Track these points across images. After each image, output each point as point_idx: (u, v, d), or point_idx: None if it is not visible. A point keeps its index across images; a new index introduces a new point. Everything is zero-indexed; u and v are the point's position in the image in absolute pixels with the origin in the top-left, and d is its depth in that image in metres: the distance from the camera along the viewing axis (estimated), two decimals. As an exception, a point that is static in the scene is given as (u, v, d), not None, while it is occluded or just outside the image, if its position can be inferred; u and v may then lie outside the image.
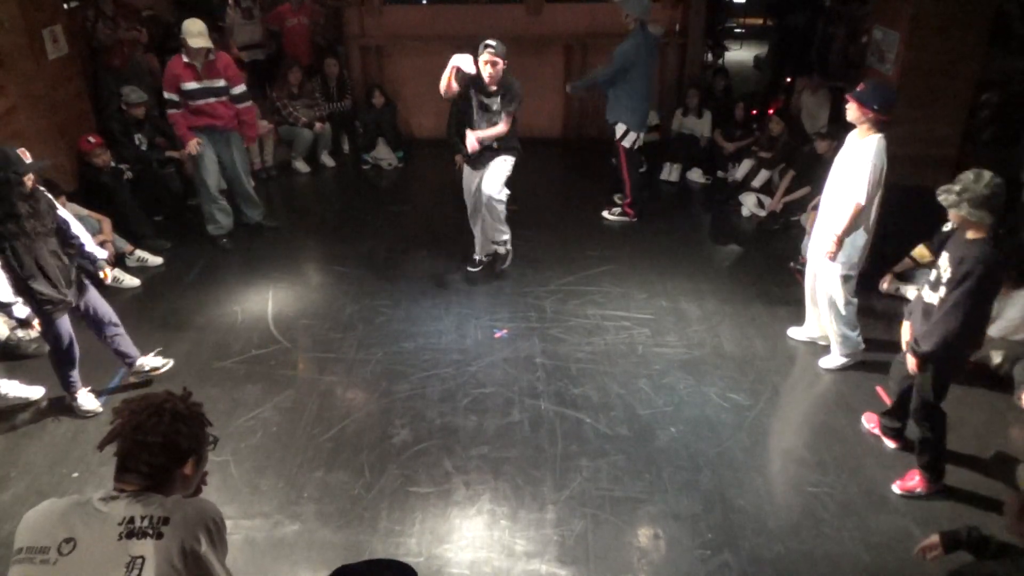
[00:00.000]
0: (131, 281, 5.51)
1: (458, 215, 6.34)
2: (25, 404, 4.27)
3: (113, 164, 6.11)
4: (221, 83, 5.67)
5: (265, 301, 5.34)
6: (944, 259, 3.36)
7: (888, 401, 3.97)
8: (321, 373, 4.55)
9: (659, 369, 4.56)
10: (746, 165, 7.07)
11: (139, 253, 5.78)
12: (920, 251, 5.05)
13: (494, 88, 5.07)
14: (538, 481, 3.72)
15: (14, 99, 5.85)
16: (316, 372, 4.57)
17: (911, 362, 3.44)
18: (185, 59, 5.52)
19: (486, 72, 4.99)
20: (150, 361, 4.44)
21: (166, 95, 5.65)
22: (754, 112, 7.67)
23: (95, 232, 5.48)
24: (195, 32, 5.46)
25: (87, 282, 4.15)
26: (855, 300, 4.39)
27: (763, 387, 4.42)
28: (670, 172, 7.48)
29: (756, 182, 6.87)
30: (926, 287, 3.47)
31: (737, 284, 5.57)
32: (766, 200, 6.62)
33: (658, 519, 3.50)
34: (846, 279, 4.29)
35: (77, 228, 4.07)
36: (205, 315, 5.16)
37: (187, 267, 5.80)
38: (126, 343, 4.34)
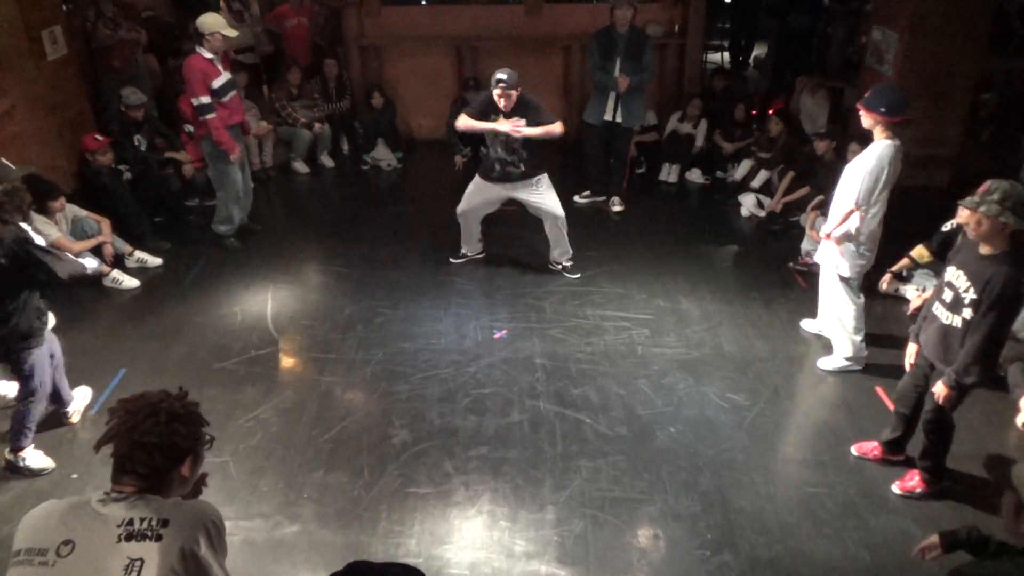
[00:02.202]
0: (130, 282, 5.50)
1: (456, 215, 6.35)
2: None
3: (113, 165, 6.11)
4: (231, 75, 5.70)
5: (264, 302, 5.34)
6: (958, 276, 3.23)
7: (891, 405, 3.96)
8: (321, 374, 4.55)
9: (658, 369, 4.56)
10: (745, 165, 7.07)
11: (138, 254, 5.77)
12: (919, 251, 5.03)
13: (510, 111, 5.11)
14: (538, 482, 3.72)
15: (13, 100, 5.84)
16: (316, 373, 4.57)
17: (941, 391, 3.27)
18: (207, 55, 5.43)
19: (500, 104, 5.07)
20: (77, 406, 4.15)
21: (200, 100, 5.44)
22: (754, 112, 7.68)
23: (94, 233, 5.49)
24: (222, 23, 5.44)
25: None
26: (859, 301, 4.39)
27: (763, 387, 4.42)
28: (669, 172, 7.47)
29: (755, 182, 6.86)
30: (938, 306, 3.34)
31: (737, 284, 5.57)
32: (765, 200, 6.61)
33: (658, 519, 3.50)
34: (846, 281, 4.31)
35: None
36: (204, 315, 5.16)
37: (187, 268, 5.79)
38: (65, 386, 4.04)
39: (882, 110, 3.92)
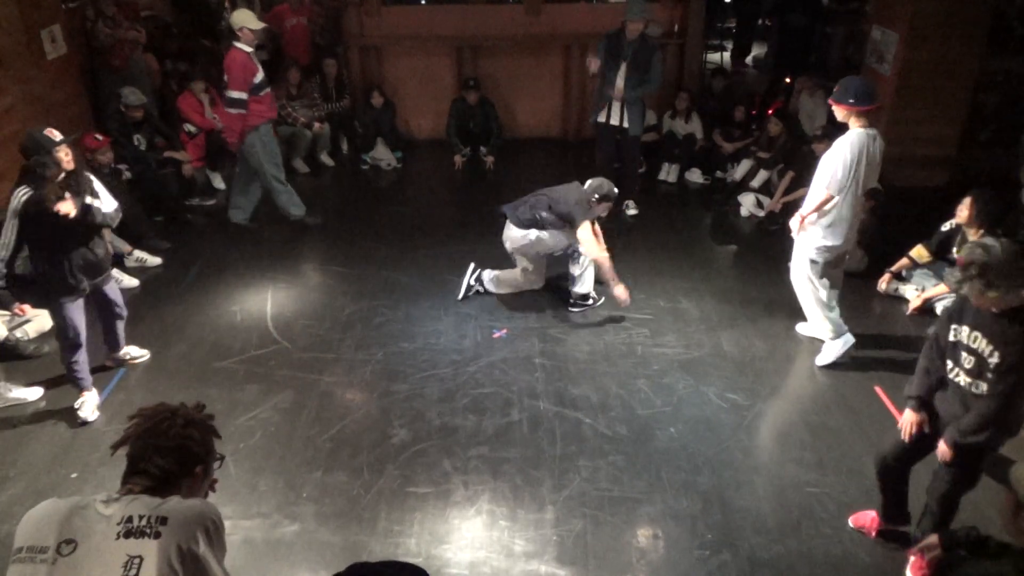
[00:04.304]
0: (130, 281, 5.50)
1: (456, 215, 6.35)
2: (24, 405, 4.26)
3: (112, 164, 6.11)
4: (263, 73, 5.88)
5: (264, 301, 5.34)
6: (975, 339, 2.79)
7: (890, 405, 3.95)
8: (320, 373, 4.55)
9: (658, 369, 4.56)
10: (745, 165, 7.08)
11: (138, 253, 5.77)
12: (919, 251, 5.05)
13: None
14: (537, 481, 3.72)
15: (12, 99, 5.84)
16: (315, 372, 4.57)
17: (943, 451, 2.90)
18: (246, 49, 5.60)
19: None
20: (132, 351, 4.60)
21: (237, 94, 5.62)
22: (753, 112, 7.67)
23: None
24: (249, 18, 5.62)
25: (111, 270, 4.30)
26: (825, 282, 4.48)
27: (762, 387, 4.42)
28: (668, 172, 7.47)
29: (755, 182, 6.87)
30: (957, 372, 2.89)
31: (736, 284, 5.57)
32: (765, 200, 6.62)
33: (657, 519, 3.50)
34: (812, 263, 4.41)
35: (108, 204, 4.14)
36: (204, 315, 5.16)
37: (186, 267, 5.80)
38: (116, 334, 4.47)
39: (851, 100, 4.06)
